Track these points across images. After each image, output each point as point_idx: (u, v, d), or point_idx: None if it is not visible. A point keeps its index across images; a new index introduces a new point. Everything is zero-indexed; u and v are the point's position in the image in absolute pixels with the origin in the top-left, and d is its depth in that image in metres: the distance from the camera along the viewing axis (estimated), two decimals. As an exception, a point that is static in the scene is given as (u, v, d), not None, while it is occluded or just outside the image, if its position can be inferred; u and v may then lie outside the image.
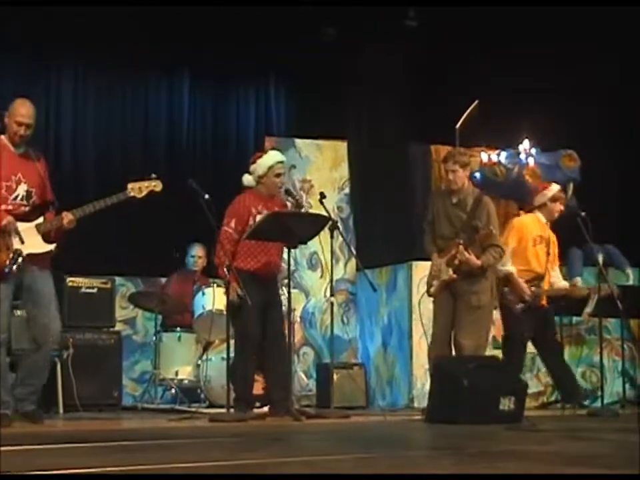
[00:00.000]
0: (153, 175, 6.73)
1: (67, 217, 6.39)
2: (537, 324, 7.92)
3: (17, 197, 6.39)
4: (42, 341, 6.38)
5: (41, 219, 6.41)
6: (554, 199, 8.12)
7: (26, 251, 6.25)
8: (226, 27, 9.95)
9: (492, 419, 6.42)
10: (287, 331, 7.53)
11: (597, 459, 4.33)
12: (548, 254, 8.02)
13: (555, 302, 8.13)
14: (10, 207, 6.35)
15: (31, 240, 6.31)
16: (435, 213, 7.53)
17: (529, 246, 7.96)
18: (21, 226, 6.31)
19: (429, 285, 7.48)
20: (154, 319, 8.95)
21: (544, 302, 8.01)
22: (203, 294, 8.65)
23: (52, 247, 6.42)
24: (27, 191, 6.42)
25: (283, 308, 7.60)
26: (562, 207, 8.11)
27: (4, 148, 6.42)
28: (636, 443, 4.78)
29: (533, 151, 9.85)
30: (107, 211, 6.56)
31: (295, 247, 7.81)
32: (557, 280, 8.13)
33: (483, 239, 7.23)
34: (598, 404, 8.31)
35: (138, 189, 6.63)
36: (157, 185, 6.72)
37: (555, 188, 8.19)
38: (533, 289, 7.85)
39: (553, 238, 8.10)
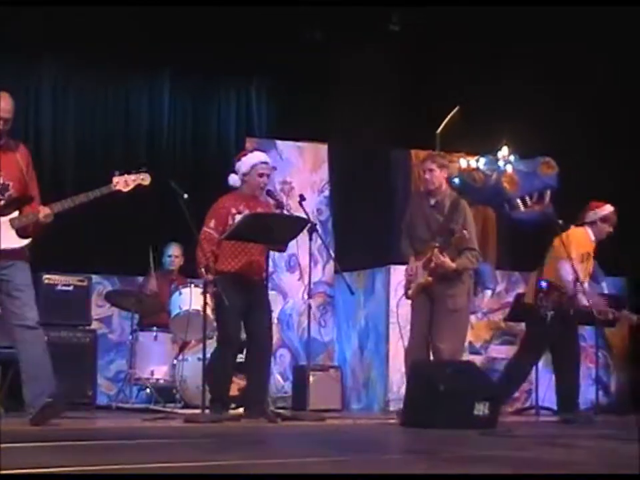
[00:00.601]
0: (142, 168, 6.51)
1: (44, 211, 6.19)
2: (561, 333, 7.96)
3: None
4: (19, 330, 6.11)
5: (16, 213, 6.19)
6: (605, 219, 8.08)
7: None
8: (208, 27, 9.93)
9: (467, 423, 6.42)
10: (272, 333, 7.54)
11: (573, 465, 4.33)
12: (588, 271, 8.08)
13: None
14: None
15: (3, 235, 6.12)
16: (412, 215, 7.54)
17: (577, 261, 7.92)
18: None
19: (407, 287, 7.49)
20: (130, 318, 8.92)
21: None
22: (180, 294, 8.62)
23: (26, 242, 6.20)
24: (3, 184, 6.21)
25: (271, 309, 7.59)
26: (611, 229, 8.09)
27: None
28: (611, 450, 4.79)
29: (512, 158, 9.88)
30: (89, 205, 6.34)
31: (282, 250, 7.81)
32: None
33: (458, 243, 7.24)
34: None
35: (124, 183, 6.40)
36: (144, 179, 6.49)
37: (608, 208, 8.13)
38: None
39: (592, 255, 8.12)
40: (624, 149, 10.52)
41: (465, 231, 7.20)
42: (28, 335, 6.18)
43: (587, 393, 9.50)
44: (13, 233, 6.18)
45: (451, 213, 7.32)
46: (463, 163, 9.88)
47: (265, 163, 7.47)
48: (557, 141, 10.02)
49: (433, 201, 7.42)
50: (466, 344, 9.23)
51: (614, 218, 8.11)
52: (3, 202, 6.21)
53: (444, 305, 7.28)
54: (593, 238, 8.08)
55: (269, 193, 7.51)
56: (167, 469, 3.88)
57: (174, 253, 9.36)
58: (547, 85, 10.34)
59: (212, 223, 7.30)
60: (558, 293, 7.88)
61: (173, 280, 9.21)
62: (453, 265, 7.23)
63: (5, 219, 6.18)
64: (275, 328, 9.38)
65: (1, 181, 6.22)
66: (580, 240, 8.02)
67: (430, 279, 7.27)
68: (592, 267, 8.12)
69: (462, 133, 9.82)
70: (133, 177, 6.45)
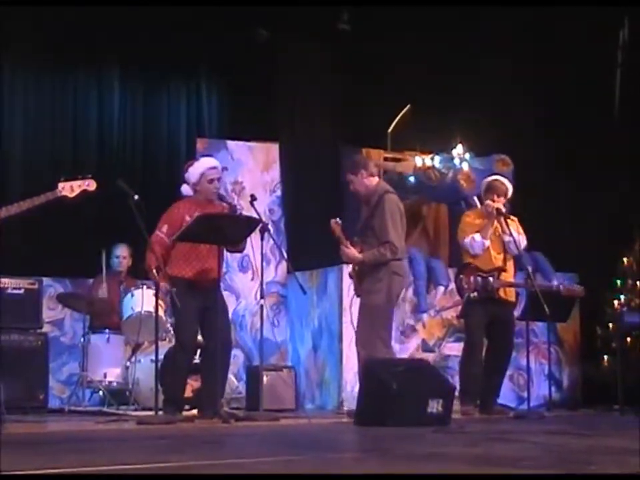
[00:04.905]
0: (89, 175, 6.57)
1: None
2: (493, 319, 8.04)
3: None
4: None
5: None
6: (487, 191, 8.23)
7: None
8: (157, 26, 9.90)
9: (420, 421, 6.45)
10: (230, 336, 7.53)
11: (523, 461, 4.36)
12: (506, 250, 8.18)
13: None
14: None
15: None
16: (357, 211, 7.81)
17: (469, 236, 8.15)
18: None
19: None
20: (82, 320, 8.86)
21: (503, 296, 8.11)
22: (132, 295, 8.58)
23: None
24: None
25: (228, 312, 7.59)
26: (498, 198, 8.13)
27: None
28: (561, 445, 4.83)
29: (467, 155, 9.94)
30: (36, 211, 6.37)
31: (240, 251, 7.77)
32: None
33: (378, 236, 7.33)
34: (525, 406, 8.42)
35: (70, 188, 6.44)
36: (90, 184, 6.55)
37: (485, 181, 8.32)
38: (490, 279, 8.01)
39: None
40: (578, 146, 10.61)
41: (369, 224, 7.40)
42: None
43: (540, 389, 9.58)
44: None
45: (375, 209, 7.45)
46: (418, 161, 9.93)
47: (214, 167, 7.43)
48: (511, 138, 10.11)
49: (365, 198, 7.62)
50: (419, 342, 9.31)
51: (496, 185, 8.18)
52: None
53: (361, 300, 7.50)
54: (485, 212, 8.16)
55: (221, 197, 7.49)
56: (118, 471, 3.86)
57: (122, 254, 9.31)
58: (500, 84, 10.40)
59: (164, 228, 7.29)
60: (477, 272, 7.99)
61: (121, 281, 9.16)
62: (359, 256, 7.39)
63: None
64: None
65: None
66: (464, 219, 8.27)
67: (355, 271, 7.53)
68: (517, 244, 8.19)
69: (415, 132, 9.86)
70: (78, 182, 6.50)
